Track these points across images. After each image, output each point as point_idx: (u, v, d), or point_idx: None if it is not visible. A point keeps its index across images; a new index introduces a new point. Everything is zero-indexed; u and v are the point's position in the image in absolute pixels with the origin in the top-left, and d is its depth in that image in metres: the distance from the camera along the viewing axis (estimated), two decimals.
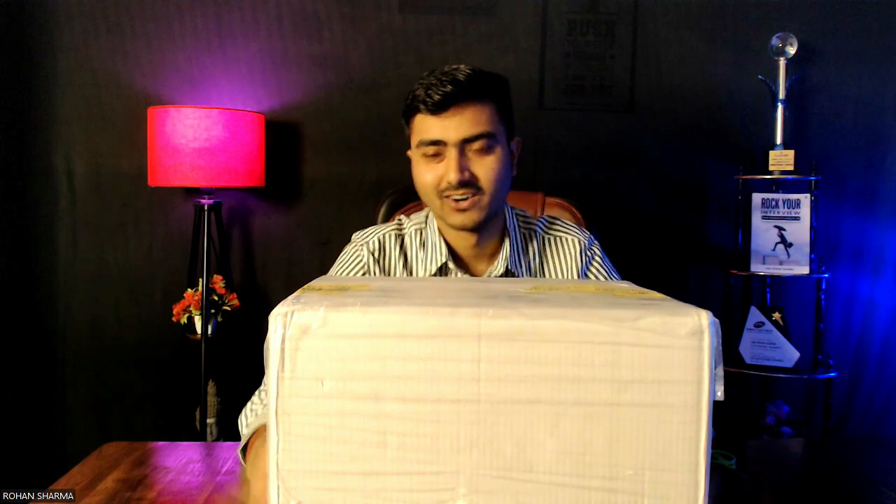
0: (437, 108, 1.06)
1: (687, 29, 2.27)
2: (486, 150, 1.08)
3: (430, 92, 1.06)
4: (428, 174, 1.09)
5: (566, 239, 1.21)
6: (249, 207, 2.25)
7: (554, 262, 1.20)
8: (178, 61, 2.20)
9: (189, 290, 2.09)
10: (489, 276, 1.13)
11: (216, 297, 2.08)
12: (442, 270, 1.15)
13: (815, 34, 2.25)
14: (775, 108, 2.13)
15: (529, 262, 1.19)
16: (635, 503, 0.57)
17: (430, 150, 1.08)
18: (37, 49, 2.17)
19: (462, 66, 1.09)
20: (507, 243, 1.16)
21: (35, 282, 2.21)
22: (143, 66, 2.19)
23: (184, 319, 2.08)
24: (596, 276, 1.21)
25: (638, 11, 2.26)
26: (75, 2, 2.16)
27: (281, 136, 2.22)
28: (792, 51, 2.10)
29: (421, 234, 1.19)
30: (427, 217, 1.20)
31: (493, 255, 1.16)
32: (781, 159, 2.08)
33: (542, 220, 1.24)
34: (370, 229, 1.22)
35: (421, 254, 1.16)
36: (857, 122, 2.30)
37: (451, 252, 1.16)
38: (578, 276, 1.18)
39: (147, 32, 2.19)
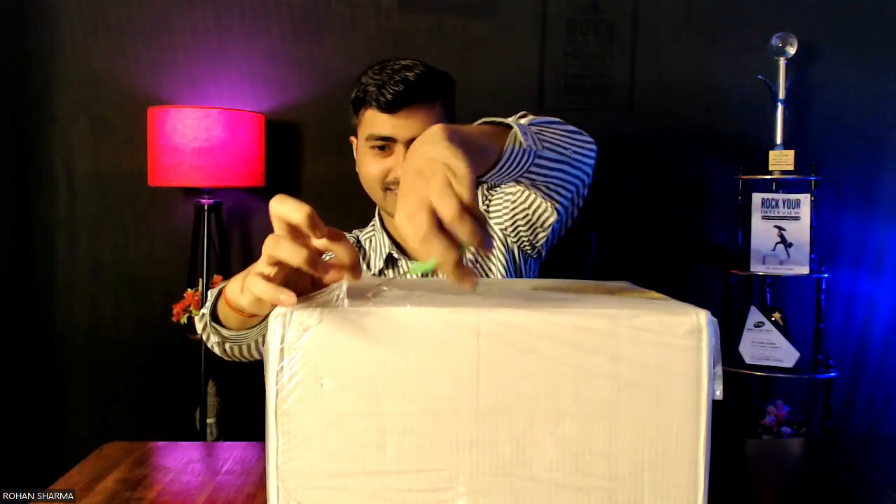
0: (389, 108, 1.11)
1: (687, 29, 2.27)
2: None
3: (383, 91, 1.10)
4: (374, 166, 1.15)
5: None
6: (249, 207, 2.25)
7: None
8: (178, 61, 2.19)
9: (189, 289, 2.09)
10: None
11: None
12: (388, 260, 1.22)
13: (816, 34, 2.25)
14: (775, 107, 2.12)
15: None
16: (635, 502, 0.57)
17: (379, 143, 1.14)
18: (37, 49, 2.17)
19: (412, 64, 1.13)
20: None
21: (35, 282, 2.21)
22: (142, 65, 2.19)
23: (184, 319, 2.07)
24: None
25: (638, 11, 2.26)
26: (75, 2, 2.16)
27: (281, 136, 2.22)
28: (792, 50, 2.10)
29: (371, 241, 1.27)
30: (373, 225, 1.28)
31: None
32: (781, 159, 2.08)
33: None
34: None
35: (372, 255, 1.25)
36: (857, 122, 2.30)
37: (394, 242, 1.23)
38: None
39: (147, 32, 2.18)
